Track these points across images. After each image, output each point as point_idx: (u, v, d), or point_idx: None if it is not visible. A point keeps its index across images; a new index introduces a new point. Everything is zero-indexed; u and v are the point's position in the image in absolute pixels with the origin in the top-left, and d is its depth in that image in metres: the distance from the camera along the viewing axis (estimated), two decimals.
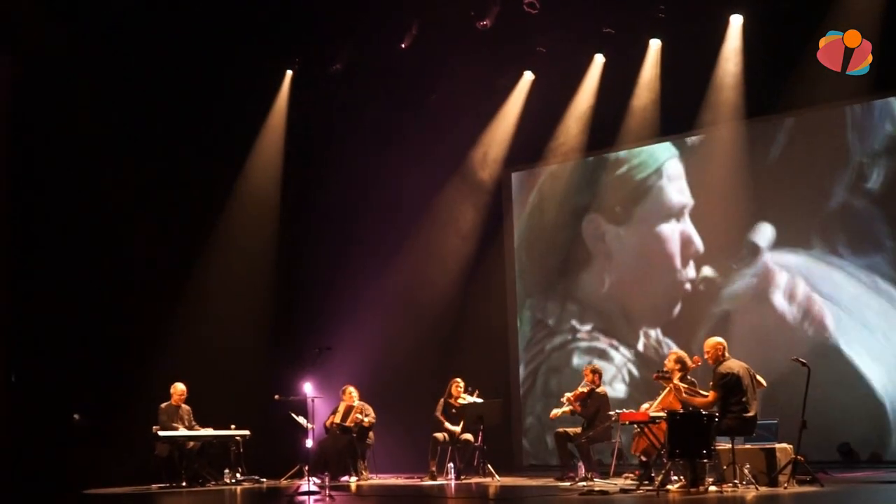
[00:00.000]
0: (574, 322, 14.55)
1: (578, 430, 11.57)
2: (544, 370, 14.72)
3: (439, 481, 11.90)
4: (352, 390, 12.98)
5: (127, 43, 13.32)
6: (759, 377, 9.89)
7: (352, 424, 12.65)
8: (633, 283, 14.15)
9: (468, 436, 12.28)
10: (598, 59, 14.08)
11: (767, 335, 12.74)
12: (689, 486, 9.15)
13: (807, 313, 12.69)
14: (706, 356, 9.94)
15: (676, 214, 13.84)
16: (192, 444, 12.30)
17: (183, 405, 12.58)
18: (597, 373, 11.74)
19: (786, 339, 12.56)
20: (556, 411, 12.00)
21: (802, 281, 12.73)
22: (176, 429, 12.30)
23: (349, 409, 12.77)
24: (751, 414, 9.60)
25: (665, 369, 10.33)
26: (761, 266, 13.04)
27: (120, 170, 13.44)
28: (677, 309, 13.66)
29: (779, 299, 12.89)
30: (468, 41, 13.56)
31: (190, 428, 12.46)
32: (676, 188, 13.92)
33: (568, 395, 11.76)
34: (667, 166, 14.03)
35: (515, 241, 15.40)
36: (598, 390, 11.58)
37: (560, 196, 14.98)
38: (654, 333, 13.78)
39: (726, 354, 9.86)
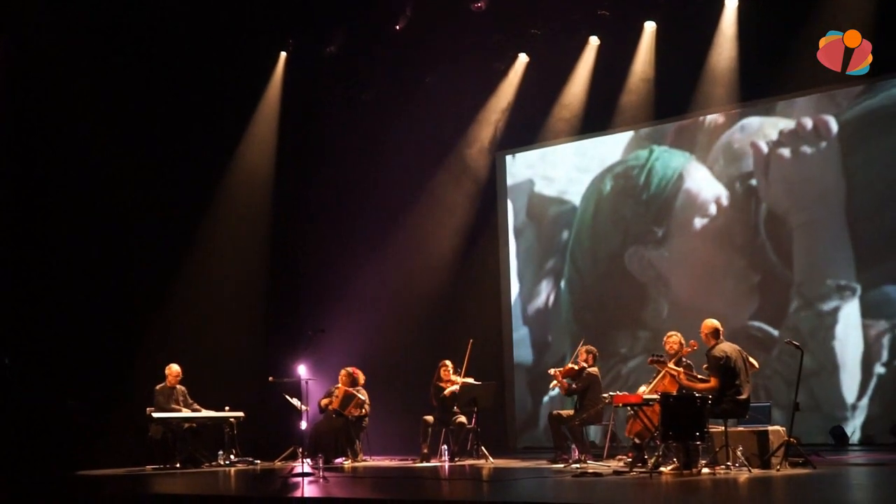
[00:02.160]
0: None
1: (572, 412, 11.59)
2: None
3: (433, 463, 11.93)
4: (349, 372, 12.88)
5: (119, 26, 13.25)
6: (751, 359, 9.92)
7: (349, 415, 12.62)
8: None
9: (462, 418, 12.30)
10: (593, 42, 14.05)
11: None
12: (682, 468, 9.19)
13: None
14: (702, 338, 9.96)
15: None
16: (187, 424, 12.31)
17: (178, 386, 12.58)
18: (591, 353, 11.71)
19: None
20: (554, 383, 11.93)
21: None
22: (174, 410, 12.30)
23: (349, 397, 12.70)
24: (744, 396, 9.63)
25: (669, 352, 10.36)
26: None
27: (113, 153, 13.37)
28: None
29: None
30: (463, 23, 13.53)
31: (188, 408, 12.47)
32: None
33: (556, 370, 11.74)
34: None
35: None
36: (589, 370, 11.56)
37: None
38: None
39: (720, 337, 9.87)
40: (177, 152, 13.92)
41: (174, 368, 12.58)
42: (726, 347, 9.76)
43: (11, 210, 12.96)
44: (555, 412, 11.73)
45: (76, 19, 12.92)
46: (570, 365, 11.66)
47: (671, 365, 10.13)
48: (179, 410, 12.38)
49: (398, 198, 15.24)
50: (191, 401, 12.61)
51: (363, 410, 12.69)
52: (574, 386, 11.53)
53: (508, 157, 15.53)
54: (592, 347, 11.85)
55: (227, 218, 14.55)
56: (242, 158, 14.85)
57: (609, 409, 11.38)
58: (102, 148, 13.28)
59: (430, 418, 12.40)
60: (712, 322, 9.99)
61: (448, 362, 12.66)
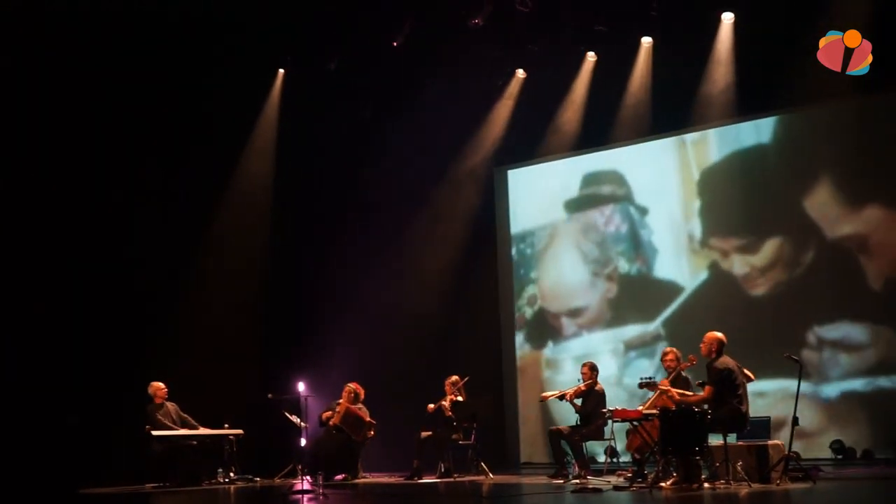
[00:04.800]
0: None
1: (571, 427, 11.57)
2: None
3: (432, 480, 11.89)
4: (352, 388, 12.83)
5: (118, 41, 13.26)
6: (746, 371, 9.91)
7: (361, 439, 12.57)
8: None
9: (457, 434, 12.25)
10: (590, 57, 14.10)
11: None
12: (681, 482, 9.19)
13: None
14: (702, 349, 9.93)
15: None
16: (187, 442, 12.25)
17: (167, 403, 12.50)
18: (595, 370, 11.70)
19: None
20: (547, 394, 11.98)
21: None
22: (170, 427, 12.26)
23: (356, 418, 12.62)
24: (744, 410, 9.63)
25: (666, 368, 10.37)
26: None
27: (113, 168, 13.40)
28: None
29: None
30: (460, 39, 13.56)
31: (184, 424, 12.44)
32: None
33: (566, 390, 11.72)
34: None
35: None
36: (596, 388, 11.56)
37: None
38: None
39: (722, 350, 9.85)
40: (176, 169, 13.92)
41: (159, 385, 12.47)
42: (728, 361, 9.75)
43: (11, 230, 12.96)
44: (554, 427, 11.73)
45: (76, 30, 12.91)
46: (580, 387, 11.63)
47: (662, 387, 10.16)
48: (174, 428, 12.34)
49: (397, 214, 15.24)
50: (185, 416, 12.55)
51: (371, 431, 12.64)
52: (585, 406, 11.52)
53: (506, 172, 15.57)
54: (594, 363, 11.86)
55: (225, 234, 14.52)
56: (241, 175, 14.84)
57: (609, 425, 11.37)
58: (102, 163, 13.28)
59: (422, 434, 12.38)
60: (717, 334, 9.95)
61: (455, 377, 12.59)
